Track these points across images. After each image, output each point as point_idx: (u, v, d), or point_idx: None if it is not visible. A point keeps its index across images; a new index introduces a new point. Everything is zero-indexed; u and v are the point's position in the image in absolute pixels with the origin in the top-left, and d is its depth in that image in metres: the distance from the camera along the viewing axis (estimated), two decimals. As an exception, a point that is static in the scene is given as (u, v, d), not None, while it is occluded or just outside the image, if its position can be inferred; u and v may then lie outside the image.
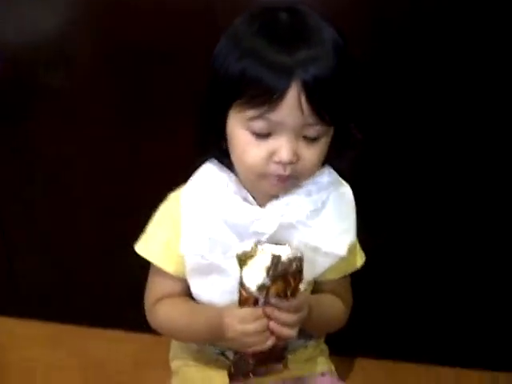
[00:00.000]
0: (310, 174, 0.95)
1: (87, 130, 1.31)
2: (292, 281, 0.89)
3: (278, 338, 0.90)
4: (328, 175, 1.01)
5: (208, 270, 0.97)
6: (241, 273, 0.89)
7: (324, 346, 1.13)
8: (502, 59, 1.17)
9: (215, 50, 0.92)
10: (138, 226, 1.03)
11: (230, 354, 1.04)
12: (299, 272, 0.89)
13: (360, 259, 1.07)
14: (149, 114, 1.27)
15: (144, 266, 1.04)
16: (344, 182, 1.03)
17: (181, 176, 1.02)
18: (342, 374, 1.14)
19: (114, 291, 1.40)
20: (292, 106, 0.86)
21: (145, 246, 1.02)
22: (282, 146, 0.89)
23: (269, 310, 0.89)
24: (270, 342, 0.90)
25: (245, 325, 0.89)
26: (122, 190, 1.34)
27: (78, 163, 1.34)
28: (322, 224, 0.98)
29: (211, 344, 1.04)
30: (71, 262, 1.41)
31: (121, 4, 1.21)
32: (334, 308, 1.05)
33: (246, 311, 0.90)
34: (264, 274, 0.87)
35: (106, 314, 1.41)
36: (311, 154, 0.91)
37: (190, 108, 0.98)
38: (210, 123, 0.95)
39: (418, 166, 1.26)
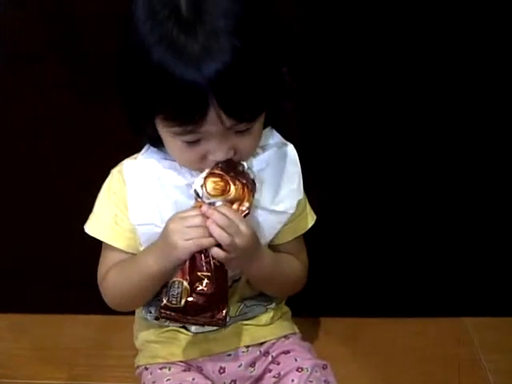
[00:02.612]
0: (250, 155, 0.96)
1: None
2: (232, 185, 0.89)
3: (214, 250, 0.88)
4: (271, 137, 1.01)
5: None
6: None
7: (286, 309, 1.14)
8: (501, 59, 1.20)
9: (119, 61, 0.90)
10: (86, 206, 1.03)
11: (191, 327, 1.04)
12: (243, 181, 0.90)
13: (311, 219, 1.07)
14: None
15: (98, 246, 1.03)
16: (288, 142, 1.03)
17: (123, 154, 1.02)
18: (306, 334, 1.14)
19: (72, 275, 1.38)
20: (213, 119, 0.85)
21: (93, 226, 1.02)
22: (216, 148, 0.89)
23: (205, 206, 0.90)
24: (206, 241, 0.88)
25: (184, 218, 0.90)
26: (68, 168, 1.33)
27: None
28: (268, 183, 0.99)
29: (165, 278, 0.96)
30: (23, 250, 1.39)
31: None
32: (291, 264, 1.05)
33: (187, 210, 0.91)
34: (206, 171, 0.90)
35: (64, 300, 1.40)
36: (247, 142, 0.92)
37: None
38: (140, 125, 0.94)
39: (366, 123, 1.27)
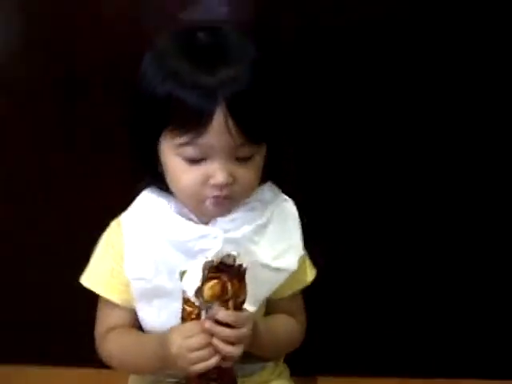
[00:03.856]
0: (247, 193, 0.96)
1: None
2: (229, 285, 0.88)
3: (223, 357, 0.88)
4: (270, 190, 1.02)
5: (154, 293, 0.97)
6: (182, 286, 0.89)
7: (283, 367, 1.12)
8: (501, 59, 1.21)
9: (140, 72, 0.93)
10: (82, 258, 1.02)
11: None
12: (238, 276, 0.89)
13: (310, 274, 1.07)
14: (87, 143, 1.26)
15: (91, 297, 1.02)
16: (286, 196, 1.03)
17: (124, 204, 1.02)
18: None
19: (66, 327, 1.36)
20: (220, 128, 0.87)
21: (89, 277, 1.02)
22: (217, 169, 0.90)
23: (208, 323, 0.88)
24: (213, 360, 0.87)
25: (187, 339, 0.88)
26: (65, 222, 1.32)
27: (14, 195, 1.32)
28: (268, 239, 0.99)
29: (164, 372, 1.02)
30: (18, 298, 1.37)
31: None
32: (287, 329, 1.04)
33: (189, 325, 0.89)
34: (200, 275, 0.87)
35: (52, 350, 1.37)
36: (247, 173, 0.92)
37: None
38: (142, 150, 0.95)
39: (363, 174, 1.27)
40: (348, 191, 1.29)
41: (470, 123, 1.25)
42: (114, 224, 1.02)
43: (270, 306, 1.04)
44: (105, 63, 1.22)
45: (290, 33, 1.20)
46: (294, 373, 1.13)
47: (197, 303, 0.89)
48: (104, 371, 1.24)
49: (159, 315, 0.96)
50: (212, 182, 0.90)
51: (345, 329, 1.35)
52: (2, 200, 1.32)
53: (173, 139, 0.90)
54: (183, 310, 0.90)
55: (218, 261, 0.88)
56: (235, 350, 0.88)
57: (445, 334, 1.35)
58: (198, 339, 0.88)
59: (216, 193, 0.91)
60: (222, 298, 0.89)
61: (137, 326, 1.02)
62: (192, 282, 0.89)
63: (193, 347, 0.87)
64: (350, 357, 1.36)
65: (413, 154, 1.26)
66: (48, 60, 1.24)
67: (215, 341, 0.87)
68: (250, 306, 0.93)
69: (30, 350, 1.38)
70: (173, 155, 0.92)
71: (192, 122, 0.88)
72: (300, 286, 1.05)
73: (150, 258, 0.96)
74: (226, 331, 0.87)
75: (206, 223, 0.97)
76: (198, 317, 0.89)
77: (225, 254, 0.89)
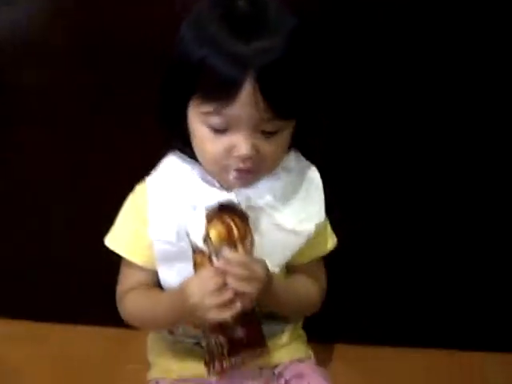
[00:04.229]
0: (271, 167, 0.96)
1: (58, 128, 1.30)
2: (234, 226, 0.89)
3: (241, 298, 0.88)
4: (295, 160, 1.01)
5: (175, 256, 0.97)
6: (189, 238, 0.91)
7: (301, 332, 1.13)
8: (501, 59, 1.19)
9: (178, 36, 0.92)
10: (108, 220, 1.03)
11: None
12: (241, 218, 0.90)
13: (331, 242, 1.07)
14: (122, 108, 1.26)
15: (115, 260, 1.03)
16: (312, 165, 1.03)
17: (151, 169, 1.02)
18: (321, 360, 1.13)
19: (86, 286, 1.38)
20: (247, 99, 0.86)
21: (113, 239, 1.03)
22: (241, 141, 0.89)
23: (220, 263, 0.89)
24: (232, 310, 0.88)
25: (203, 285, 0.88)
26: (95, 183, 1.32)
27: (53, 160, 1.32)
28: (291, 207, 0.99)
29: (182, 325, 1.02)
30: (38, 258, 1.39)
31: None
32: (306, 286, 1.04)
33: (202, 272, 0.90)
34: (204, 221, 0.89)
35: (77, 310, 1.40)
36: (271, 148, 0.92)
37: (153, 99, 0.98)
38: (171, 115, 0.95)
39: (392, 149, 1.27)
40: (373, 163, 1.28)
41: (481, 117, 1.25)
42: (138, 188, 1.02)
43: (291, 272, 1.05)
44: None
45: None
46: (311, 339, 1.14)
47: (206, 250, 0.90)
48: (124, 331, 1.28)
49: (179, 278, 0.96)
50: (235, 153, 0.90)
51: (363, 298, 1.36)
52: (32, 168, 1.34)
53: (200, 107, 0.90)
54: (194, 263, 0.92)
55: (218, 204, 0.90)
56: (250, 288, 0.88)
57: (464, 307, 1.36)
58: (214, 282, 0.88)
59: (239, 165, 0.91)
60: (229, 241, 0.90)
61: (157, 287, 1.02)
62: (197, 229, 0.90)
63: (210, 291, 0.87)
64: (367, 326, 1.37)
65: (437, 125, 1.25)
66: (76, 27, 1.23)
67: (229, 279, 0.87)
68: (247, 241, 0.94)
69: (57, 310, 1.41)
70: (199, 123, 0.92)
71: (220, 91, 0.87)
72: (320, 252, 1.06)
73: (174, 222, 0.97)
74: (239, 269, 0.88)
75: (230, 190, 0.97)
76: (210, 262, 0.90)
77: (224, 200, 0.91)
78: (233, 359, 0.92)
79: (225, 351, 0.91)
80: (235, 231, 0.90)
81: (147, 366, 1.11)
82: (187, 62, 0.90)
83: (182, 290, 0.91)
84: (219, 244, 0.89)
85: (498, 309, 1.36)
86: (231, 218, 0.90)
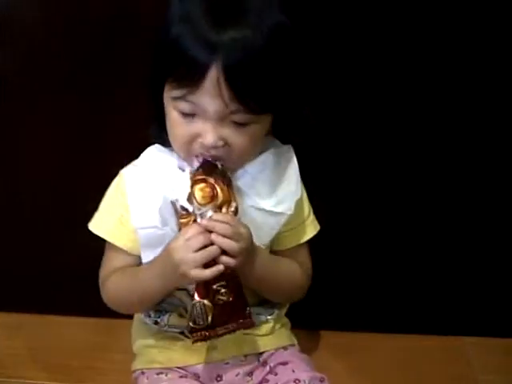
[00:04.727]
0: (241, 159, 0.95)
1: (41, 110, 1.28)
2: (218, 188, 0.90)
3: (225, 255, 0.88)
4: (270, 140, 1.01)
5: (159, 242, 0.97)
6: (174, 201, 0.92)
7: (286, 320, 1.13)
8: (501, 59, 1.20)
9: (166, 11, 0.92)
10: (91, 207, 1.03)
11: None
12: (224, 181, 0.91)
13: (314, 229, 1.08)
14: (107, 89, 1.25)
15: (98, 248, 1.03)
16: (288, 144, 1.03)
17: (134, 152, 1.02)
18: (304, 346, 1.13)
19: (70, 276, 1.37)
20: (211, 87, 0.86)
21: (97, 224, 1.02)
22: (206, 130, 0.89)
23: (205, 221, 0.89)
24: (216, 267, 0.88)
25: (188, 241, 0.88)
26: (75, 168, 1.32)
27: (33, 144, 1.31)
28: (267, 185, 0.99)
29: (168, 294, 1.01)
30: (20, 248, 1.38)
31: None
32: (291, 267, 1.05)
33: (187, 228, 0.90)
34: (189, 182, 0.90)
35: (62, 300, 1.39)
36: (241, 140, 0.91)
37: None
38: (151, 96, 0.95)
39: (377, 134, 1.27)
40: (355, 149, 1.28)
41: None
42: (122, 172, 1.02)
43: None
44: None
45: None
46: (295, 326, 1.15)
47: (190, 209, 0.90)
48: (108, 320, 1.29)
49: None
50: (201, 141, 0.90)
51: (346, 285, 1.37)
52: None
53: (171, 91, 0.90)
54: (179, 225, 0.92)
55: (203, 164, 0.91)
56: (234, 246, 0.88)
57: (444, 292, 1.37)
58: (199, 238, 0.88)
59: (204, 152, 0.91)
60: (214, 203, 0.90)
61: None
62: (182, 190, 0.91)
63: (195, 247, 0.88)
64: (350, 312, 1.38)
65: (420, 110, 1.26)
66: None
67: (214, 236, 0.88)
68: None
69: (37, 300, 1.40)
70: (171, 107, 0.92)
71: (187, 76, 0.86)
72: (302, 238, 1.06)
73: (156, 207, 0.96)
74: (224, 226, 0.88)
75: None
76: (195, 222, 0.90)
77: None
78: (215, 330, 0.92)
79: (209, 319, 0.90)
80: (220, 193, 0.90)
81: (131, 356, 1.11)
82: (165, 40, 0.89)
83: (166, 249, 0.92)
84: (204, 204, 0.90)
85: (480, 295, 1.37)
86: (215, 181, 0.90)
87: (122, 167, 1.03)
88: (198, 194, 0.90)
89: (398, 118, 1.26)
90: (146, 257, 0.99)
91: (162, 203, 0.96)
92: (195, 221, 0.90)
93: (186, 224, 0.91)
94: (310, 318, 1.30)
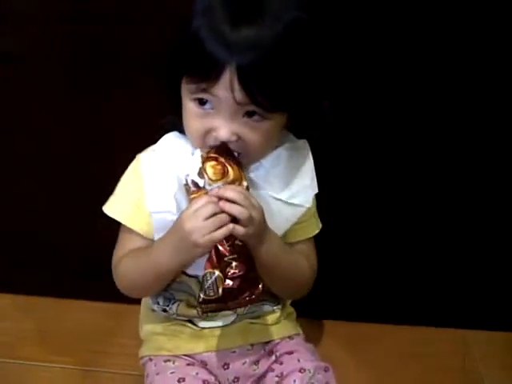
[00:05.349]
0: (254, 156, 0.96)
1: (42, 93, 1.29)
2: (229, 167, 0.90)
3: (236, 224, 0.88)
4: (286, 134, 1.02)
5: None
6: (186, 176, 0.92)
7: (291, 309, 1.14)
8: (501, 59, 1.20)
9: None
10: (105, 190, 1.04)
11: (198, 321, 1.05)
12: (236, 162, 0.91)
13: (316, 227, 1.08)
14: (110, 76, 1.26)
15: (111, 234, 1.04)
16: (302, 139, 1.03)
17: (149, 137, 1.03)
18: (309, 336, 1.14)
19: (81, 261, 1.39)
20: (226, 84, 0.86)
21: (113, 207, 1.02)
22: (221, 125, 0.90)
23: (214, 191, 0.89)
24: (226, 228, 0.87)
25: (198, 210, 0.88)
26: (87, 152, 1.32)
27: (35, 128, 1.32)
28: (282, 180, 0.99)
29: (182, 268, 1.00)
30: (37, 233, 1.40)
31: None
32: (299, 261, 1.04)
33: (197, 199, 0.90)
34: (200, 159, 0.90)
35: (73, 285, 1.41)
36: (254, 136, 0.92)
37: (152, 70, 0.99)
38: (167, 87, 0.96)
39: (383, 128, 1.28)
40: (355, 148, 1.29)
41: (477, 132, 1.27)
42: (139, 156, 1.02)
43: None
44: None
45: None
46: (300, 315, 1.16)
47: (201, 184, 0.90)
48: (117, 305, 1.30)
49: None
50: (215, 134, 0.91)
51: (351, 276, 1.38)
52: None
53: (188, 83, 0.91)
54: (190, 201, 0.91)
55: (215, 147, 0.91)
56: (245, 212, 0.88)
57: (448, 285, 1.38)
58: (209, 207, 0.88)
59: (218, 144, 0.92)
60: (225, 180, 0.90)
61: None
62: (194, 166, 0.91)
63: (204, 215, 0.87)
64: (354, 303, 1.40)
65: (423, 102, 1.26)
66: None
67: (223, 203, 0.88)
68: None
69: (48, 283, 1.42)
70: (188, 99, 0.92)
71: (203, 71, 0.87)
72: (307, 235, 1.06)
73: (172, 193, 0.97)
74: (235, 193, 0.88)
75: None
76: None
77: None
78: (226, 302, 0.91)
79: (220, 290, 0.89)
80: (231, 171, 0.90)
81: (139, 341, 1.12)
82: (186, 31, 0.90)
83: (177, 221, 0.92)
84: (215, 180, 0.90)
85: (483, 289, 1.38)
86: (227, 160, 0.91)
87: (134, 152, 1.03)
88: (209, 171, 0.90)
89: (407, 116, 1.26)
90: None
91: (178, 189, 0.97)
92: (206, 193, 0.90)
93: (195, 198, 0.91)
94: (314, 308, 1.31)
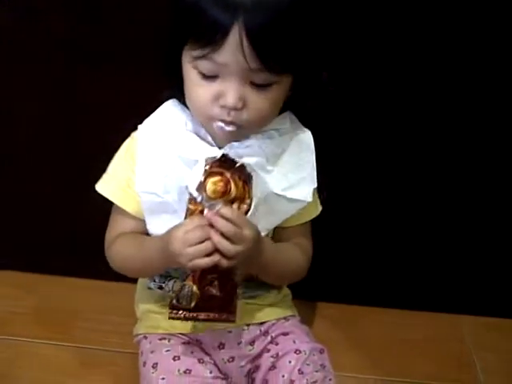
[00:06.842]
0: (257, 123, 0.94)
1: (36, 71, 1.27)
2: (232, 184, 0.88)
3: (221, 255, 0.87)
4: (290, 121, 1.01)
5: (162, 209, 0.97)
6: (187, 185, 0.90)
7: (287, 291, 1.14)
8: (501, 58, 1.20)
9: None
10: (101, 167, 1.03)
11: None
12: (242, 177, 0.89)
13: (316, 209, 1.07)
14: (108, 48, 1.23)
15: (106, 210, 1.04)
16: (306, 129, 1.02)
17: (145, 114, 1.01)
18: (304, 317, 1.15)
19: (78, 239, 1.38)
20: (234, 46, 0.85)
21: (105, 185, 1.02)
22: (228, 90, 0.88)
23: (210, 214, 0.88)
24: (210, 258, 0.87)
25: (187, 233, 0.88)
26: (82, 129, 1.31)
27: (29, 107, 1.30)
28: (281, 169, 0.99)
29: (166, 270, 1.03)
30: (32, 210, 1.39)
31: None
32: (292, 256, 1.04)
33: (190, 219, 0.89)
34: (203, 170, 0.88)
35: (68, 262, 1.40)
36: (260, 101, 0.90)
37: (152, 43, 0.98)
38: (167, 59, 0.94)
39: (383, 114, 1.27)
40: (353, 134, 1.28)
41: (471, 123, 1.27)
42: (133, 135, 1.02)
43: (278, 234, 1.05)
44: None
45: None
46: (295, 297, 1.16)
47: (199, 199, 0.88)
48: (113, 283, 1.30)
49: (165, 230, 0.93)
50: (221, 102, 0.89)
51: (346, 258, 1.38)
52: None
53: (191, 51, 0.89)
54: (187, 210, 0.90)
55: (222, 157, 0.89)
56: (232, 249, 0.87)
57: (442, 270, 1.39)
58: (198, 232, 0.87)
59: (223, 116, 0.90)
60: (225, 198, 0.88)
61: (147, 236, 1.02)
62: (195, 177, 0.89)
63: (192, 240, 0.87)
64: (349, 286, 1.40)
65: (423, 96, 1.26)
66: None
67: (213, 233, 0.87)
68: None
69: (44, 261, 1.41)
70: (190, 68, 0.90)
71: (208, 35, 0.85)
72: (305, 218, 1.06)
73: (161, 174, 0.96)
74: (226, 225, 0.87)
75: (221, 147, 0.96)
76: (202, 213, 0.89)
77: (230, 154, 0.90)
78: (196, 314, 0.92)
79: (192, 304, 0.90)
80: (233, 189, 0.88)
81: (135, 319, 1.12)
82: (183, 3, 0.89)
83: (167, 234, 0.91)
84: (213, 198, 0.88)
85: (478, 275, 1.39)
86: (232, 176, 0.89)
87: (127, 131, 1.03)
88: (210, 188, 0.88)
89: (406, 108, 1.26)
90: (150, 222, 1.00)
91: (169, 171, 0.96)
92: (202, 211, 0.89)
93: (193, 212, 0.89)
94: (309, 290, 1.31)
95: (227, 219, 0.87)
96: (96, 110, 1.28)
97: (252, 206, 0.90)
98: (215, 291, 0.91)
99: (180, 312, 0.92)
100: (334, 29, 1.06)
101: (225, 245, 0.87)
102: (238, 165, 0.89)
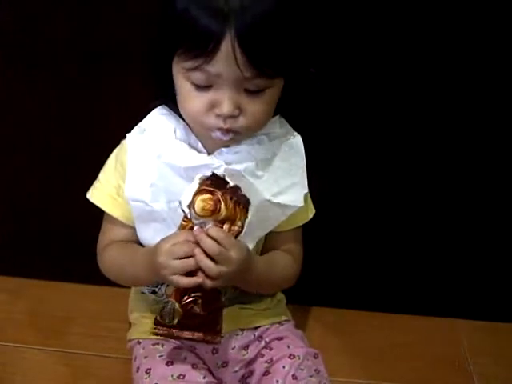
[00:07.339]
0: (254, 127, 0.94)
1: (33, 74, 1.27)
2: (223, 204, 0.87)
3: (204, 275, 0.87)
4: (279, 126, 1.00)
5: (151, 217, 0.97)
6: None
7: (281, 296, 1.14)
8: (501, 58, 1.19)
9: None
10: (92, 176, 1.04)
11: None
12: (233, 198, 0.88)
13: (310, 213, 1.07)
14: (108, 48, 1.23)
15: (100, 215, 1.04)
16: (296, 133, 1.02)
17: (134, 122, 1.01)
18: (298, 322, 1.14)
19: (71, 243, 1.38)
20: (227, 55, 0.84)
21: (96, 193, 1.02)
22: (223, 99, 0.88)
23: (197, 231, 0.88)
24: (194, 279, 0.87)
25: (173, 246, 0.88)
26: (74, 137, 1.31)
27: (27, 111, 1.30)
28: (272, 174, 0.98)
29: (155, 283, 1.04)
30: (24, 215, 1.39)
31: None
32: (283, 266, 1.04)
33: (177, 233, 0.90)
34: (195, 188, 0.88)
35: (62, 267, 1.40)
36: (255, 106, 0.90)
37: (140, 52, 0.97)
38: (157, 70, 0.94)
39: (374, 113, 1.26)
40: (347, 135, 1.28)
41: (470, 123, 1.26)
42: (123, 142, 1.01)
43: (269, 239, 1.05)
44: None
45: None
46: (289, 301, 1.16)
47: (188, 216, 0.88)
48: (106, 288, 1.29)
49: (155, 238, 0.94)
50: (217, 111, 0.89)
51: (340, 263, 1.38)
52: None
53: (183, 62, 0.88)
54: (180, 224, 0.90)
55: (215, 178, 0.88)
56: (215, 268, 0.87)
57: (437, 274, 1.38)
58: (183, 247, 0.87)
59: (219, 124, 0.90)
60: (215, 217, 0.88)
61: (138, 243, 1.02)
62: (187, 194, 0.88)
63: (177, 254, 0.87)
64: (344, 290, 1.39)
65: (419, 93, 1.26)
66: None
67: (197, 251, 0.86)
68: (249, 243, 0.94)
69: (38, 266, 1.41)
70: (183, 79, 0.90)
71: (200, 46, 0.85)
72: (298, 222, 1.05)
73: (150, 182, 0.96)
74: (212, 244, 0.86)
75: (210, 153, 0.96)
76: (192, 229, 0.89)
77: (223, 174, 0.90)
78: (180, 332, 0.91)
79: (175, 321, 0.89)
80: (223, 209, 0.88)
81: (127, 325, 1.12)
82: (172, 13, 0.88)
83: (155, 247, 0.91)
84: (201, 216, 0.88)
85: (475, 279, 1.38)
86: (223, 196, 0.88)
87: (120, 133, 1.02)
88: (198, 205, 0.87)
89: (402, 108, 1.25)
90: (140, 230, 1.00)
91: (156, 178, 0.96)
92: (192, 228, 0.89)
93: (185, 227, 0.89)
94: (303, 294, 1.30)
95: (213, 238, 0.87)
96: (96, 110, 1.28)
97: (244, 229, 0.89)
98: (199, 310, 0.90)
99: (164, 328, 0.91)
100: (324, 29, 1.05)
101: (208, 264, 0.87)
102: (231, 186, 0.89)
